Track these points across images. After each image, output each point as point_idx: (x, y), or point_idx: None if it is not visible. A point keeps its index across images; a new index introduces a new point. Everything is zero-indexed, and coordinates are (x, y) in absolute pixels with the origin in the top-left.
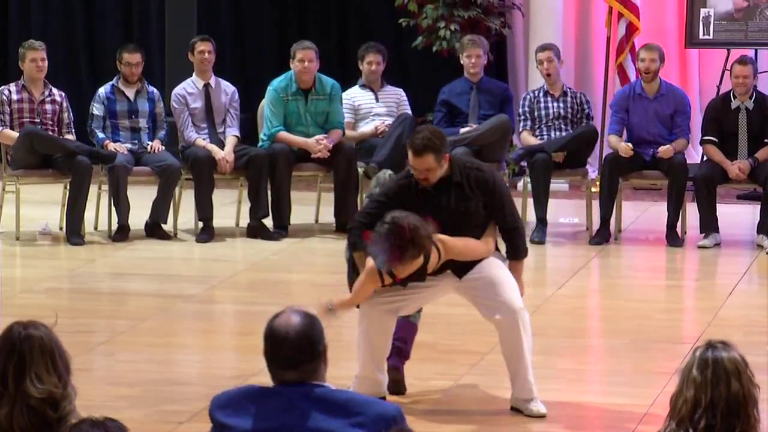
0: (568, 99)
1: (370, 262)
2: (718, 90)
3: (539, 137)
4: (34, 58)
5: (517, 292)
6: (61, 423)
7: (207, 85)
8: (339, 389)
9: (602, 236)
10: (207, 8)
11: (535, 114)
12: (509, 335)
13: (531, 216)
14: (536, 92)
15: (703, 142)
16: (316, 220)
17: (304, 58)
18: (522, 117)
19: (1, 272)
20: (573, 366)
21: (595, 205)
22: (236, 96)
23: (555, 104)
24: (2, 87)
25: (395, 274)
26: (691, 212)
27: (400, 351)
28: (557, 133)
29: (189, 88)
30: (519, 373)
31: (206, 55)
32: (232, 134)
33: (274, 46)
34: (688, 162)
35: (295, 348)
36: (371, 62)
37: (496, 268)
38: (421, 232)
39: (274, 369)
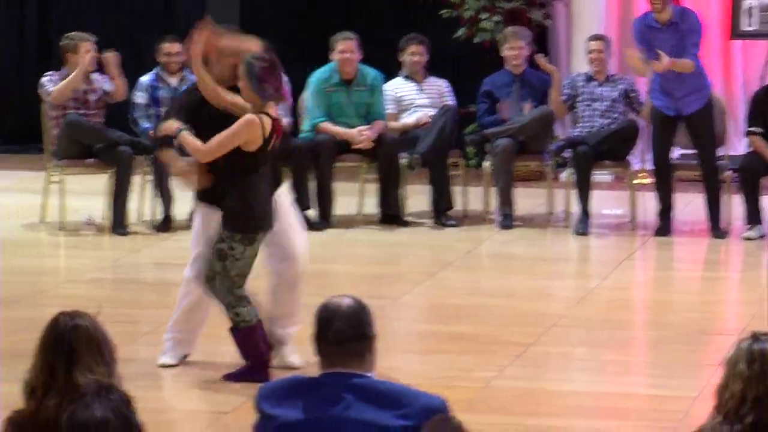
0: (612, 84)
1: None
2: (763, 81)
3: (581, 121)
4: (83, 48)
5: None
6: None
7: None
8: (383, 380)
9: (665, 230)
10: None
11: (578, 91)
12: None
13: (574, 207)
14: (580, 75)
15: (748, 133)
16: (359, 212)
17: (345, 49)
18: (565, 96)
19: (46, 262)
20: (617, 358)
21: (639, 196)
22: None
23: (599, 89)
24: (48, 74)
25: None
26: (736, 204)
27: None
28: (600, 120)
29: None
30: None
31: None
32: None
33: (314, 37)
34: (732, 154)
35: (344, 322)
36: (413, 53)
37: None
38: None
39: (322, 348)
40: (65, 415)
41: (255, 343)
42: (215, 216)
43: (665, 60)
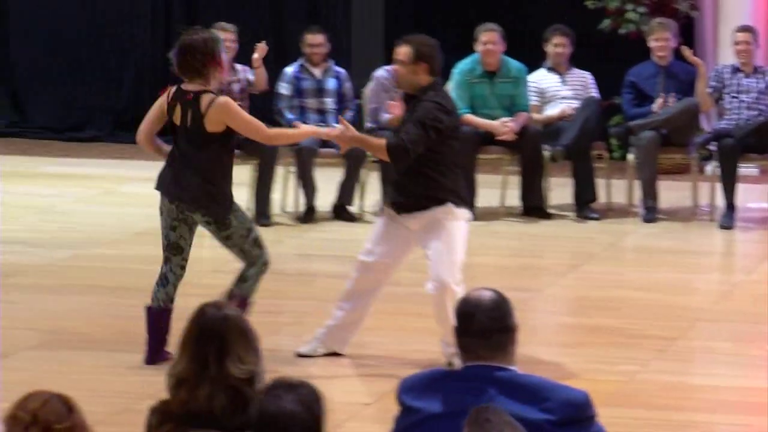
0: (760, 75)
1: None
2: None
3: (727, 113)
4: (225, 38)
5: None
6: (255, 401)
7: None
8: (526, 374)
9: None
10: None
11: (724, 83)
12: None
13: (720, 200)
14: (727, 67)
15: None
16: (502, 203)
17: (488, 40)
18: (710, 89)
19: (191, 253)
20: (762, 352)
21: None
22: None
23: (746, 80)
24: None
25: None
26: None
27: None
28: (746, 112)
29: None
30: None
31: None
32: None
33: (457, 28)
34: None
35: (487, 316)
36: (557, 44)
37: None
38: None
39: (465, 342)
40: (254, 407)
41: (149, 324)
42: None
43: None
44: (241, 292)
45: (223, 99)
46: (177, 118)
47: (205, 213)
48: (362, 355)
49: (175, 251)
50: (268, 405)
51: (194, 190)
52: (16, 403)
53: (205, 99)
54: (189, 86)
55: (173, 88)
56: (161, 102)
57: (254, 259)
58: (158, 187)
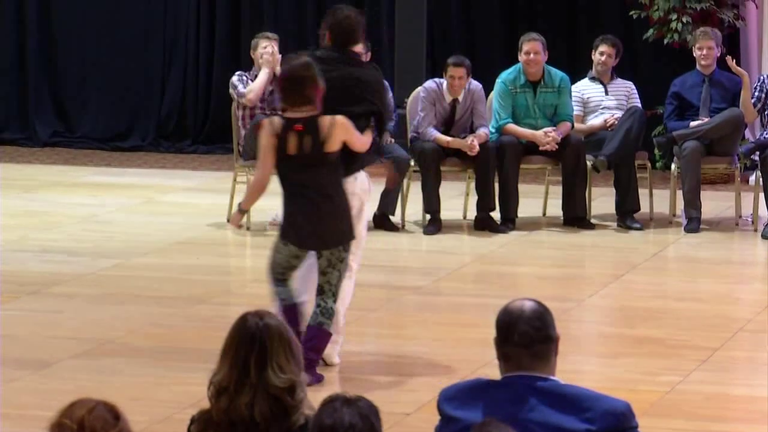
0: None
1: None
2: None
3: None
4: (267, 47)
5: None
6: (295, 410)
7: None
8: (567, 384)
9: None
10: (437, 1)
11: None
12: None
13: (763, 211)
14: None
15: None
16: (544, 213)
17: (531, 50)
18: (754, 99)
19: (232, 262)
20: None
21: None
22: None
23: None
24: (238, 73)
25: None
26: None
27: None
28: None
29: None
30: None
31: (456, 80)
32: (482, 132)
33: (503, 39)
34: None
35: (529, 325)
36: (603, 53)
37: None
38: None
39: (507, 351)
40: (312, 420)
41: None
42: None
43: None
44: (329, 327)
45: (341, 117)
46: (292, 149)
47: (348, 240)
48: (403, 365)
49: (291, 272)
50: (325, 418)
51: (335, 228)
52: (62, 410)
53: (324, 122)
54: (296, 114)
55: (276, 121)
56: (269, 140)
57: (337, 292)
58: (295, 243)
